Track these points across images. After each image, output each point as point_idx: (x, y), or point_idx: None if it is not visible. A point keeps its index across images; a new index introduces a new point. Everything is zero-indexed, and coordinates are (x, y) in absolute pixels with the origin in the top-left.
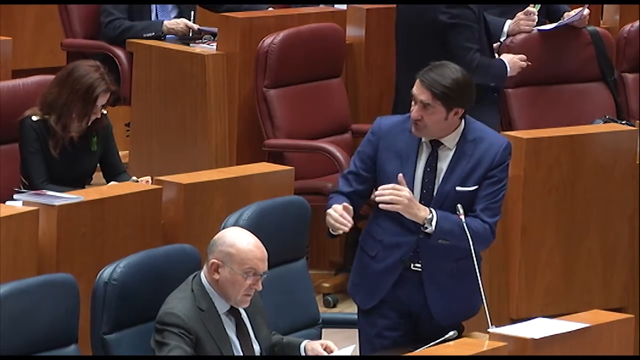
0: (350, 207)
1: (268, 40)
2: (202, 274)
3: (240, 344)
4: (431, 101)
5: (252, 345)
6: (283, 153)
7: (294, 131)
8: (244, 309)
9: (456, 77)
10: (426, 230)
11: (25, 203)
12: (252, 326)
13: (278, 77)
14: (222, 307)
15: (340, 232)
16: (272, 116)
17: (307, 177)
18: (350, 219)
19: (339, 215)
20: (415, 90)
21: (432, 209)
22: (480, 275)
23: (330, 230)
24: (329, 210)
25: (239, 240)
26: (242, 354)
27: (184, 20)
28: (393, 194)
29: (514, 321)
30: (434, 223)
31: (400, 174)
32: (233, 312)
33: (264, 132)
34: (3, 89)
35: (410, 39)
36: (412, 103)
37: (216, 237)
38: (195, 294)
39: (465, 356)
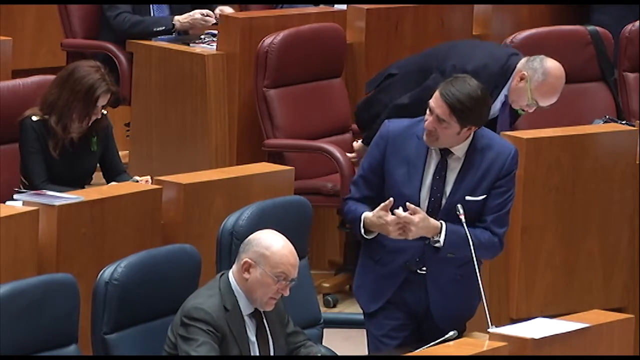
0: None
1: (268, 40)
2: (230, 273)
3: (258, 347)
4: (447, 117)
5: (269, 351)
6: (283, 153)
7: (294, 131)
8: (265, 315)
9: (475, 94)
10: (435, 245)
11: (25, 203)
12: (271, 333)
13: (278, 77)
14: (246, 308)
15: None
16: (272, 116)
17: (307, 177)
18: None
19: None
20: (433, 102)
21: (442, 223)
22: (480, 277)
23: (364, 234)
24: (371, 218)
25: (275, 243)
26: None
27: (197, 11)
28: (399, 229)
29: (514, 321)
30: (442, 239)
31: (408, 203)
32: (256, 315)
33: (263, 132)
34: (3, 89)
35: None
36: (428, 112)
37: (251, 237)
38: (222, 293)
39: (465, 356)
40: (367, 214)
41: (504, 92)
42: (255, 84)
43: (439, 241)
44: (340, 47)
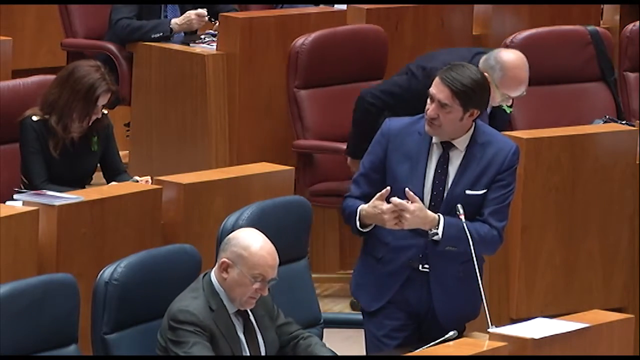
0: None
1: (300, 40)
2: (212, 273)
3: (247, 344)
4: (449, 101)
5: (259, 347)
6: (312, 154)
7: (325, 133)
8: (252, 312)
9: (476, 77)
10: (434, 238)
11: (25, 203)
12: (259, 328)
13: (309, 77)
14: (231, 307)
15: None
16: (302, 117)
17: (336, 179)
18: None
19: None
20: (434, 88)
21: (440, 216)
22: (481, 276)
23: (359, 227)
24: (367, 208)
25: (253, 243)
26: (249, 355)
27: (191, 12)
28: (394, 216)
29: (514, 321)
30: (440, 231)
31: (407, 189)
32: (241, 312)
33: (294, 133)
34: (3, 89)
35: None
36: (429, 101)
37: (231, 235)
38: (206, 294)
39: (465, 356)
40: (363, 206)
41: None
42: (287, 84)
43: (437, 233)
44: (381, 48)
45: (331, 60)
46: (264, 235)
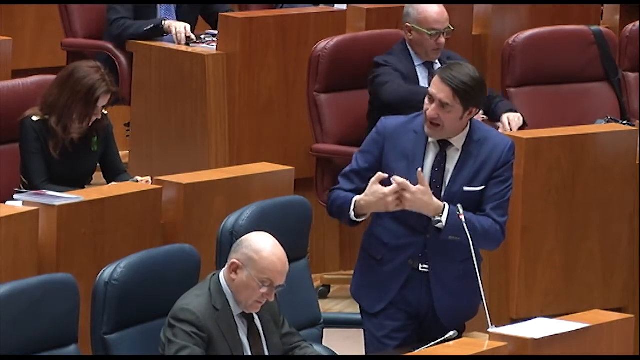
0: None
1: (322, 44)
2: (221, 273)
3: (250, 347)
4: (450, 100)
5: (263, 351)
6: (332, 158)
7: (345, 137)
8: (258, 315)
9: (474, 75)
10: (437, 225)
11: (25, 203)
12: (264, 332)
13: (329, 82)
14: (236, 308)
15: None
16: (322, 121)
17: None
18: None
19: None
20: (434, 88)
21: (445, 204)
22: (480, 275)
23: (354, 217)
24: (365, 197)
25: (264, 248)
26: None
27: (184, 24)
28: (395, 196)
29: (514, 321)
30: (444, 218)
31: (419, 169)
32: (246, 315)
33: (313, 137)
34: (3, 89)
35: None
36: (427, 102)
37: (244, 237)
38: (211, 293)
39: (465, 356)
40: (358, 197)
41: (417, 61)
42: (307, 88)
43: (440, 221)
44: None
45: (352, 64)
46: (277, 242)
